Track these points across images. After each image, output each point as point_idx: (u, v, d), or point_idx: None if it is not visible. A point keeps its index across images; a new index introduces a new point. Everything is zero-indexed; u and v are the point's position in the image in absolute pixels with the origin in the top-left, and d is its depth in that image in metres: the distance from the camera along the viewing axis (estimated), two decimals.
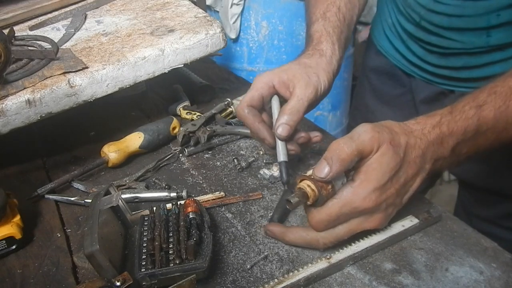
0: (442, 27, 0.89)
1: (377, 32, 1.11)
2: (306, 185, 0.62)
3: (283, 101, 0.78)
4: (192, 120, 0.99)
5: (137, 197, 0.80)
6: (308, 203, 0.63)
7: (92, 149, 0.92)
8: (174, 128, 0.95)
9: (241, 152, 0.92)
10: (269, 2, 1.92)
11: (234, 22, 1.96)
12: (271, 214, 0.75)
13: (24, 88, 0.82)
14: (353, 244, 0.67)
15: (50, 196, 0.81)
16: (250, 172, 0.86)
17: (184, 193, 0.79)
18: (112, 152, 0.87)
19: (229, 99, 1.04)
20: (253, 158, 0.89)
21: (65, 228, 0.76)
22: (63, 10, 1.13)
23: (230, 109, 1.03)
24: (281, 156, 0.74)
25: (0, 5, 1.11)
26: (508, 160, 0.92)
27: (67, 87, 0.84)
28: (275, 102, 0.78)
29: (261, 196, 0.79)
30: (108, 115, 1.03)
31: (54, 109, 0.84)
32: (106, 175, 0.87)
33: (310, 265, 0.64)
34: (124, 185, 0.83)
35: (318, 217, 0.63)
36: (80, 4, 1.15)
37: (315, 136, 0.80)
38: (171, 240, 0.65)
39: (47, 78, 0.84)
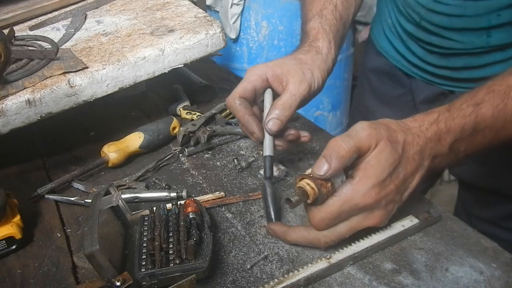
0: (443, 27, 0.89)
1: (377, 32, 1.11)
2: (306, 184, 0.62)
3: (275, 95, 0.78)
4: (192, 120, 0.99)
5: (137, 197, 0.80)
6: (308, 201, 0.63)
7: (92, 149, 0.92)
8: (174, 128, 0.95)
9: (241, 152, 0.92)
10: (269, 2, 1.92)
11: (234, 22, 1.96)
12: (265, 212, 0.74)
13: (24, 88, 0.82)
14: (353, 244, 0.67)
15: (50, 196, 0.81)
16: (250, 172, 0.86)
17: (184, 193, 0.79)
18: (112, 152, 0.87)
19: None
20: (253, 158, 0.89)
21: (65, 228, 0.76)
22: (63, 10, 1.13)
23: None
24: (267, 150, 0.74)
25: (0, 5, 1.11)
26: (508, 161, 0.92)
27: (67, 87, 0.84)
28: (267, 96, 0.78)
29: (261, 196, 0.79)
30: (108, 115, 1.03)
31: (54, 109, 0.84)
32: (106, 175, 0.87)
33: (310, 265, 0.64)
34: (124, 185, 0.83)
35: (319, 216, 0.63)
36: (80, 4, 1.15)
37: (304, 136, 0.80)
38: (171, 240, 0.65)
39: (47, 78, 0.84)
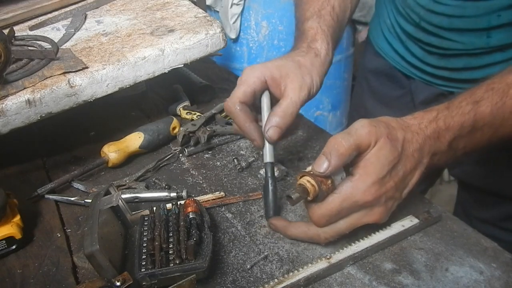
0: (442, 27, 0.88)
1: (376, 33, 1.11)
2: (306, 181, 0.63)
3: (272, 97, 0.76)
4: (192, 120, 0.99)
5: (137, 197, 0.80)
6: (309, 198, 0.63)
7: (92, 149, 0.92)
8: (174, 128, 0.95)
9: (241, 152, 0.92)
10: (269, 2, 1.92)
11: (234, 22, 1.96)
12: (265, 208, 0.74)
13: (24, 88, 0.82)
14: (353, 244, 0.67)
15: (50, 196, 0.81)
16: (250, 172, 0.86)
17: (184, 193, 0.79)
18: (112, 152, 0.87)
19: None
20: (253, 158, 0.89)
21: (65, 228, 0.76)
22: (63, 10, 1.13)
23: None
24: (268, 157, 0.73)
25: (0, 5, 1.11)
26: (508, 161, 0.92)
27: (67, 87, 0.84)
28: (265, 99, 0.75)
29: (261, 196, 0.79)
30: (108, 115, 1.03)
31: (54, 109, 0.84)
32: (106, 175, 0.87)
33: (310, 265, 0.64)
34: (124, 185, 0.83)
35: (319, 212, 0.63)
36: (80, 4, 1.15)
37: None
38: (171, 240, 0.65)
39: (47, 78, 0.84)
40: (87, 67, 0.87)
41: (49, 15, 1.11)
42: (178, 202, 0.72)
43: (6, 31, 0.89)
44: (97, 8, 1.13)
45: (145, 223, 0.69)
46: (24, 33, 1.03)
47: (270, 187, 0.72)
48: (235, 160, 0.88)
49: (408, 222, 0.70)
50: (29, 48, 0.95)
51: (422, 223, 0.70)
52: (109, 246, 0.64)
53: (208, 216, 0.70)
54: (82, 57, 0.90)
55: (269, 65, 0.75)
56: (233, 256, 0.68)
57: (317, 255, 0.67)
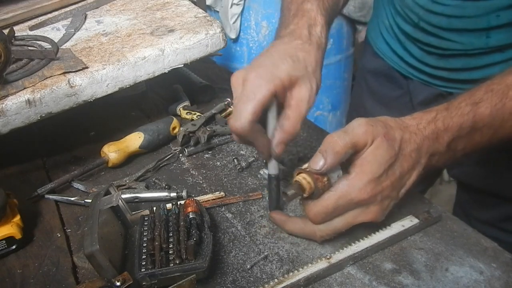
0: (441, 28, 0.88)
1: (374, 34, 1.11)
2: (302, 178, 0.63)
3: (278, 103, 0.71)
4: (192, 120, 0.99)
5: (137, 197, 0.80)
6: (304, 195, 0.63)
7: (92, 149, 0.92)
8: (174, 128, 0.95)
9: (241, 152, 0.92)
10: (269, 2, 1.92)
11: (234, 22, 1.96)
12: (268, 202, 0.74)
13: (24, 88, 0.82)
14: (353, 244, 0.67)
15: (50, 196, 0.81)
16: (250, 172, 0.86)
17: (184, 193, 0.79)
18: (112, 152, 0.87)
19: (229, 99, 1.04)
20: (253, 158, 0.89)
21: (65, 228, 0.76)
22: (63, 10, 1.13)
23: (230, 109, 1.03)
24: (272, 169, 0.72)
25: (0, 5, 1.11)
26: (507, 162, 0.92)
27: (67, 87, 0.84)
28: (273, 110, 0.68)
29: (261, 196, 0.79)
30: (108, 115, 1.03)
31: (54, 109, 0.84)
32: (106, 175, 0.87)
33: (310, 265, 0.64)
34: (124, 185, 0.83)
35: (315, 210, 0.64)
36: (80, 4, 1.15)
37: None
38: (171, 240, 0.65)
39: (47, 78, 0.84)
40: (87, 67, 0.87)
41: (49, 15, 1.11)
42: (178, 202, 0.72)
43: (6, 31, 0.89)
44: (97, 8, 1.13)
45: (145, 223, 0.69)
46: (24, 33, 1.03)
47: (275, 183, 0.72)
48: (235, 160, 0.88)
49: (408, 222, 0.70)
50: (29, 48, 0.95)
51: (422, 223, 0.70)
52: (109, 246, 0.64)
53: (208, 216, 0.70)
54: (82, 57, 0.90)
55: (277, 73, 0.66)
56: (233, 256, 0.68)
57: (317, 255, 0.67)
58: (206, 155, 0.92)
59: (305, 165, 0.64)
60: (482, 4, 0.82)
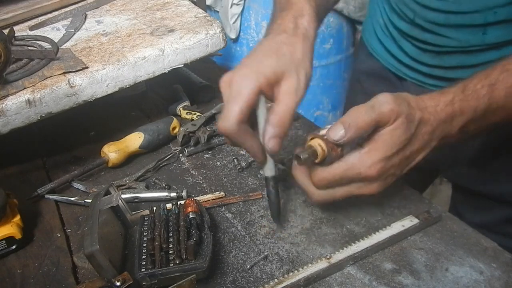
0: (438, 24, 0.88)
1: (368, 34, 1.10)
2: (318, 144, 0.63)
3: (267, 99, 0.69)
4: (192, 120, 0.99)
5: (137, 197, 0.80)
6: (316, 161, 0.63)
7: (92, 149, 0.92)
8: (174, 128, 0.95)
9: (241, 152, 0.92)
10: (269, 2, 1.91)
11: (234, 22, 1.96)
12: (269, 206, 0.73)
13: (24, 88, 0.82)
14: (353, 244, 0.67)
15: (50, 196, 0.81)
16: (250, 172, 0.86)
17: (184, 193, 0.79)
18: (112, 152, 0.87)
19: None
20: (253, 158, 0.89)
21: (65, 228, 0.76)
22: (63, 10, 1.13)
23: None
24: (268, 170, 0.69)
25: (0, 5, 1.11)
26: (503, 165, 0.91)
27: (67, 87, 0.84)
28: (262, 109, 0.67)
29: (261, 196, 0.79)
30: (108, 115, 1.03)
31: (54, 109, 0.84)
32: (106, 175, 0.87)
33: (310, 265, 0.64)
34: (124, 185, 0.83)
35: (322, 175, 0.64)
36: (80, 4, 1.15)
37: None
38: (171, 240, 0.65)
39: (47, 78, 0.84)
40: (87, 67, 0.87)
41: (49, 15, 1.11)
42: (178, 202, 0.72)
43: (6, 31, 0.89)
44: (97, 8, 1.13)
45: (145, 223, 0.69)
46: (24, 33, 1.03)
47: (274, 200, 0.70)
48: (235, 160, 0.88)
49: (408, 222, 0.70)
50: (29, 48, 0.95)
51: (422, 223, 0.70)
52: (109, 246, 0.64)
53: (208, 216, 0.70)
54: (82, 57, 0.90)
55: (261, 69, 0.65)
56: (233, 256, 0.68)
57: (317, 255, 0.68)
58: (206, 155, 0.92)
59: (322, 131, 0.64)
60: (479, 0, 0.82)
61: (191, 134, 0.93)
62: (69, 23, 1.06)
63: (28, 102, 0.81)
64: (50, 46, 0.94)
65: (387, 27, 1.01)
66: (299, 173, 0.69)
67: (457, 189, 1.10)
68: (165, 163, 0.89)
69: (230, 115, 0.63)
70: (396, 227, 0.69)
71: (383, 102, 0.62)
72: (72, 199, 0.80)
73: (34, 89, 0.82)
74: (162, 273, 0.61)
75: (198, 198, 0.77)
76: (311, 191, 0.67)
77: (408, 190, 0.79)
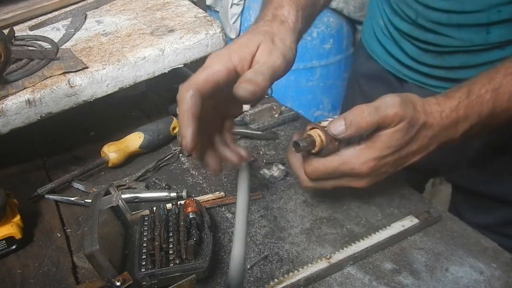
0: (440, 23, 0.87)
1: (368, 36, 1.09)
2: (317, 135, 0.63)
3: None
4: None
5: (137, 197, 0.80)
6: (313, 151, 0.64)
7: (92, 149, 0.92)
8: (174, 128, 0.95)
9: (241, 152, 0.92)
10: None
11: (234, 22, 1.97)
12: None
13: (24, 88, 0.82)
14: (353, 244, 0.67)
15: (50, 196, 0.81)
16: (250, 172, 0.86)
17: (184, 193, 0.79)
18: (112, 152, 0.87)
19: None
20: (253, 158, 0.89)
21: (65, 228, 0.76)
22: (63, 10, 1.13)
23: None
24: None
25: (0, 5, 1.11)
26: (504, 165, 0.91)
27: (67, 87, 0.84)
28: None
29: (261, 196, 0.79)
30: (108, 115, 1.03)
31: (54, 109, 0.84)
32: (106, 175, 0.87)
33: (310, 265, 0.64)
34: (124, 185, 0.83)
35: (315, 165, 0.65)
36: (80, 4, 1.15)
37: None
38: (171, 240, 0.65)
39: (47, 78, 0.84)
40: (87, 67, 0.87)
41: (49, 15, 1.11)
42: (178, 202, 0.72)
43: (6, 31, 0.89)
44: (97, 8, 1.13)
45: (145, 223, 0.69)
46: (24, 33, 1.03)
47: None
48: None
49: (408, 222, 0.70)
50: (29, 48, 0.94)
51: (422, 223, 0.70)
52: (109, 246, 0.64)
53: (208, 216, 0.70)
54: (82, 57, 0.90)
55: (235, 47, 0.64)
56: None
57: (317, 255, 0.68)
58: None
59: (324, 122, 0.64)
60: None
61: None
62: (69, 23, 1.06)
63: (28, 102, 0.81)
64: (50, 46, 0.94)
65: (387, 28, 1.00)
66: (294, 159, 0.70)
67: (457, 189, 1.10)
68: (165, 163, 0.89)
69: (191, 79, 0.60)
70: (396, 227, 0.69)
71: (389, 105, 0.62)
72: (72, 199, 0.80)
73: (34, 89, 0.82)
74: (162, 273, 0.61)
75: (198, 198, 0.77)
76: (302, 177, 0.68)
77: (408, 190, 0.79)
